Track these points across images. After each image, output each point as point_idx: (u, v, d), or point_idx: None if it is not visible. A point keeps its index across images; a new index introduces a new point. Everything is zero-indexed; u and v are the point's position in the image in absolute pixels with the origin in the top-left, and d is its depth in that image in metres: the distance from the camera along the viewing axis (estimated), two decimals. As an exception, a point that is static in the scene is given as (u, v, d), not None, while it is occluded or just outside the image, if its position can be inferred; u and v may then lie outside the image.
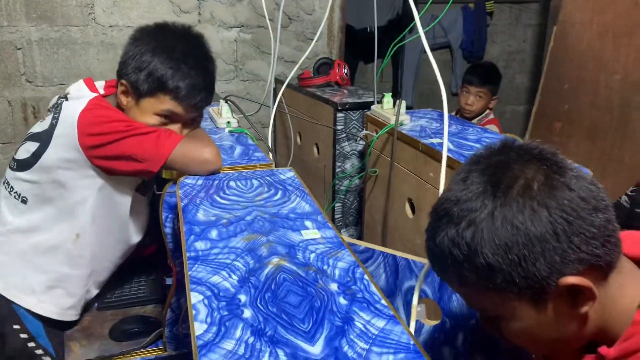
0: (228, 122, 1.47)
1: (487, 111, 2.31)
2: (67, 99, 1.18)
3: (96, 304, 1.36)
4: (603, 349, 0.63)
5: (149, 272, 1.52)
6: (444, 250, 0.63)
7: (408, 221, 1.52)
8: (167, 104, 1.14)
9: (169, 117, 1.16)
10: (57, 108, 1.16)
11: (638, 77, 2.34)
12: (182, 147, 1.11)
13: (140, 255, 1.55)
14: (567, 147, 2.63)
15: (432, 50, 4.32)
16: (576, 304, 0.61)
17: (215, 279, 0.73)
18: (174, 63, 1.13)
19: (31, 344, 1.18)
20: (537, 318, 0.63)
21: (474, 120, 2.25)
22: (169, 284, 1.40)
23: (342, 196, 1.99)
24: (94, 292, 1.30)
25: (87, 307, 1.34)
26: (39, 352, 1.18)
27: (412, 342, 0.61)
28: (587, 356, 0.66)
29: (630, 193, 1.64)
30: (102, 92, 1.23)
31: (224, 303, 0.68)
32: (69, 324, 1.27)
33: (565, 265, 0.59)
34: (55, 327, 1.23)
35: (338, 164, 1.94)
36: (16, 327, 1.17)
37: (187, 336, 1.19)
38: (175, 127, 1.17)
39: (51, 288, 1.20)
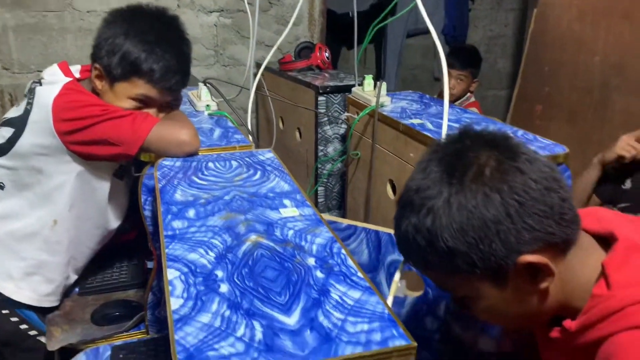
0: (207, 105, 1.46)
1: (468, 94, 2.32)
2: (40, 84, 1.16)
3: (77, 290, 1.35)
4: (567, 323, 0.65)
5: (130, 257, 1.52)
6: (408, 238, 0.66)
7: (390, 202, 1.53)
8: (141, 87, 1.13)
9: (144, 101, 1.15)
10: (31, 93, 1.14)
11: (617, 58, 2.36)
12: (159, 129, 1.10)
13: (121, 241, 1.54)
14: (548, 130, 2.66)
15: (414, 35, 4.32)
16: (536, 280, 0.64)
17: (193, 256, 0.73)
18: (147, 46, 1.11)
19: (23, 326, 1.18)
20: (500, 296, 0.65)
21: (455, 104, 2.26)
22: (150, 268, 1.40)
23: (325, 180, 1.99)
24: (73, 277, 1.29)
25: (68, 293, 1.33)
26: (33, 332, 1.18)
27: (387, 311, 0.62)
28: (555, 329, 0.68)
29: (615, 166, 1.65)
30: (77, 76, 1.21)
31: (200, 279, 0.68)
32: (50, 309, 1.26)
33: (521, 244, 0.61)
34: (39, 312, 1.23)
35: (320, 147, 1.94)
36: (5, 312, 1.17)
37: (169, 319, 1.19)
38: (151, 112, 1.16)
39: (29, 275, 1.19)
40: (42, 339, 1.19)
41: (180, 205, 0.88)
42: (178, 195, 0.92)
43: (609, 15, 2.36)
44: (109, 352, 1.14)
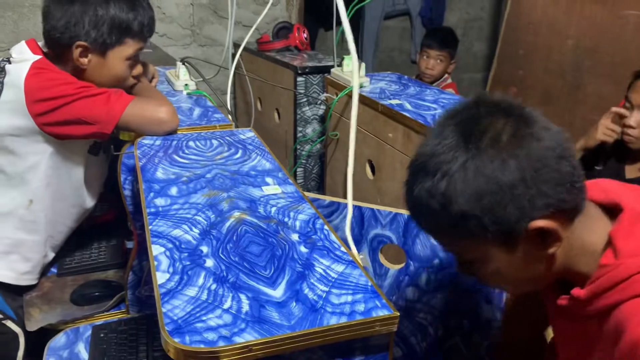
0: (186, 84, 1.45)
1: (446, 75, 2.34)
2: (9, 62, 1.13)
3: (55, 271, 1.34)
4: (575, 291, 0.68)
5: (109, 238, 1.50)
6: (421, 202, 0.67)
7: (369, 182, 1.55)
8: (135, 45, 1.15)
9: (136, 58, 1.18)
10: (1, 72, 1.11)
11: (589, 42, 2.41)
12: (135, 107, 1.09)
13: (99, 222, 1.53)
14: (521, 112, 2.70)
15: (391, 17, 4.32)
16: (544, 245, 0.66)
17: (177, 232, 0.74)
18: (130, 5, 1.12)
19: None
20: (508, 260, 0.67)
21: (433, 85, 2.28)
22: (130, 248, 1.40)
23: (304, 161, 2.00)
24: (51, 255, 1.28)
25: (45, 273, 1.32)
26: None
27: (370, 283, 0.63)
28: (563, 297, 0.71)
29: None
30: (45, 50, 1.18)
31: (185, 254, 0.69)
32: (27, 288, 1.25)
33: (534, 210, 0.63)
34: (13, 292, 1.21)
35: (299, 128, 1.95)
36: None
37: (150, 298, 1.20)
38: (139, 68, 1.20)
39: (7, 254, 1.18)
40: (8, 323, 1.17)
41: (162, 183, 0.88)
42: (159, 174, 0.92)
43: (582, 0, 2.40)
44: (89, 332, 1.13)
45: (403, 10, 4.04)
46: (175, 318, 0.57)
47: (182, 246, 0.70)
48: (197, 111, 1.28)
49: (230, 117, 1.30)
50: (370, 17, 3.93)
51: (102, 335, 1.12)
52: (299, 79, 1.87)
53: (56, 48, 1.13)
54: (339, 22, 1.71)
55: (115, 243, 1.49)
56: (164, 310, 0.57)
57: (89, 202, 1.29)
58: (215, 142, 1.07)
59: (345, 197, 1.71)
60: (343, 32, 0.95)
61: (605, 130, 1.55)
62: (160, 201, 0.82)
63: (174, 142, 1.07)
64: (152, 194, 0.85)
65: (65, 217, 1.26)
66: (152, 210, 0.80)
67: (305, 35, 2.19)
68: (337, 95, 1.61)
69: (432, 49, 2.26)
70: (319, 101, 1.88)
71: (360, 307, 0.59)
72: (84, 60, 1.13)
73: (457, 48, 2.38)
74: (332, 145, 1.76)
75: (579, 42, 2.47)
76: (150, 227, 0.75)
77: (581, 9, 2.44)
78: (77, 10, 1.10)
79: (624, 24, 2.27)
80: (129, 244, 1.43)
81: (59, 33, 1.10)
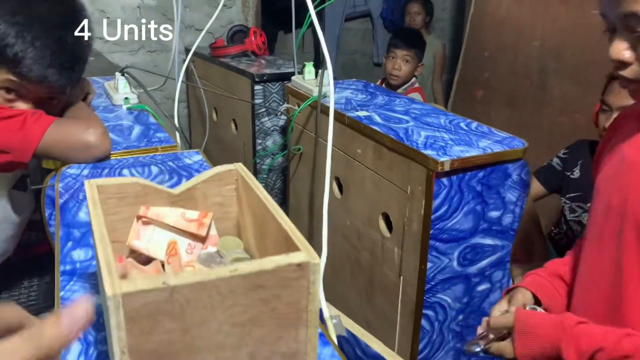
0: (126, 98, 1.27)
1: (413, 79, 2.23)
2: None
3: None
4: None
5: (41, 273, 1.32)
6: None
7: (336, 201, 1.41)
8: (3, 74, 0.90)
9: (13, 91, 0.93)
10: None
11: (555, 43, 2.35)
12: (56, 131, 0.91)
13: (31, 255, 1.34)
14: (489, 115, 2.63)
15: (352, 18, 4.19)
16: None
17: (97, 300, 0.58)
18: (15, 28, 0.89)
19: None
20: None
21: (400, 89, 2.16)
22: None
23: (265, 176, 1.85)
24: None
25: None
26: None
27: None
28: None
29: (562, 155, 1.61)
30: None
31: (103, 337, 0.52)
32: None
33: None
34: None
35: (259, 141, 1.79)
36: None
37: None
38: (25, 106, 0.94)
39: None
40: None
41: (84, 228, 0.72)
42: (83, 214, 0.75)
43: (546, 0, 2.34)
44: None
45: (364, 11, 3.93)
46: None
47: (102, 321, 0.54)
48: (136, 130, 1.11)
49: (178, 135, 1.14)
50: (330, 19, 3.80)
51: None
52: (257, 87, 1.72)
53: None
54: (298, 25, 1.57)
55: (48, 280, 1.30)
56: None
57: (15, 239, 1.11)
58: (154, 170, 0.91)
59: (310, 218, 1.56)
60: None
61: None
62: (79, 254, 0.66)
63: (105, 171, 0.90)
64: (70, 244, 0.68)
65: None
66: (68, 267, 0.63)
67: (262, 39, 2.04)
68: (298, 106, 1.46)
69: (399, 48, 2.14)
70: (279, 112, 1.73)
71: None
72: None
73: (425, 50, 2.27)
74: (295, 159, 1.61)
75: (544, 43, 2.42)
76: (61, 293, 0.58)
77: (546, 10, 2.38)
78: None
79: (589, 24, 2.21)
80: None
81: None
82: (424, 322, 1.12)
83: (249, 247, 0.51)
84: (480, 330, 0.82)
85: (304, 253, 0.39)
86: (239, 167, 0.52)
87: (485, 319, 0.82)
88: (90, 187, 0.48)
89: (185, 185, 0.52)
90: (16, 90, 0.93)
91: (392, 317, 1.21)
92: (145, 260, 0.50)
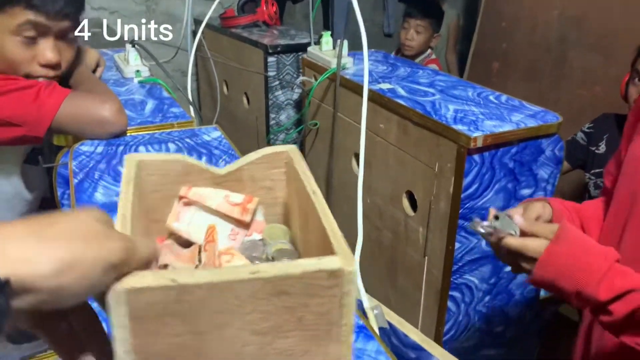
0: (137, 70, 1.22)
1: (429, 50, 2.15)
2: None
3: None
4: None
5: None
6: None
7: (355, 178, 1.36)
8: (22, 15, 0.85)
9: (35, 31, 0.87)
10: None
11: (575, 11, 2.26)
12: (71, 104, 0.86)
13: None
14: (505, 88, 2.55)
15: (365, -14, 3.89)
16: None
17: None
18: None
19: None
20: None
21: (416, 61, 2.08)
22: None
23: (278, 151, 1.79)
24: None
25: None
26: None
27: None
28: None
29: (586, 130, 1.55)
30: None
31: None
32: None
33: None
34: None
35: (272, 115, 1.73)
36: None
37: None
38: (47, 44, 0.89)
39: None
40: None
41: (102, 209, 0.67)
42: (99, 195, 0.71)
43: (567, -35, 2.24)
44: (28, 379, 0.94)
45: (375, -21, 3.81)
46: None
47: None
48: (150, 104, 1.06)
49: (192, 110, 1.08)
50: (340, -13, 3.69)
51: (42, 384, 0.92)
52: (270, 59, 1.65)
53: None
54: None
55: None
56: None
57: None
58: (172, 147, 0.86)
59: (328, 196, 1.52)
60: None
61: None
62: (98, 238, 0.61)
63: (120, 149, 0.85)
64: (87, 228, 0.63)
65: None
66: (87, 254, 0.59)
67: (274, 8, 1.96)
68: (315, 79, 1.40)
69: (412, 17, 2.05)
70: (294, 85, 1.67)
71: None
72: None
73: (442, 21, 2.18)
74: (311, 134, 1.55)
75: (564, 11, 2.32)
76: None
77: (566, -25, 2.28)
78: None
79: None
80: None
81: None
82: (450, 303, 1.09)
83: (295, 239, 0.47)
84: (491, 216, 0.70)
85: (340, 259, 0.33)
86: (291, 149, 0.47)
87: (504, 213, 0.71)
88: (131, 162, 0.43)
89: (232, 165, 0.47)
90: (35, 30, 0.87)
91: (415, 297, 1.17)
92: (186, 242, 0.45)
